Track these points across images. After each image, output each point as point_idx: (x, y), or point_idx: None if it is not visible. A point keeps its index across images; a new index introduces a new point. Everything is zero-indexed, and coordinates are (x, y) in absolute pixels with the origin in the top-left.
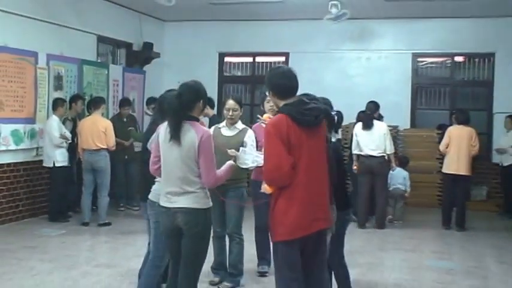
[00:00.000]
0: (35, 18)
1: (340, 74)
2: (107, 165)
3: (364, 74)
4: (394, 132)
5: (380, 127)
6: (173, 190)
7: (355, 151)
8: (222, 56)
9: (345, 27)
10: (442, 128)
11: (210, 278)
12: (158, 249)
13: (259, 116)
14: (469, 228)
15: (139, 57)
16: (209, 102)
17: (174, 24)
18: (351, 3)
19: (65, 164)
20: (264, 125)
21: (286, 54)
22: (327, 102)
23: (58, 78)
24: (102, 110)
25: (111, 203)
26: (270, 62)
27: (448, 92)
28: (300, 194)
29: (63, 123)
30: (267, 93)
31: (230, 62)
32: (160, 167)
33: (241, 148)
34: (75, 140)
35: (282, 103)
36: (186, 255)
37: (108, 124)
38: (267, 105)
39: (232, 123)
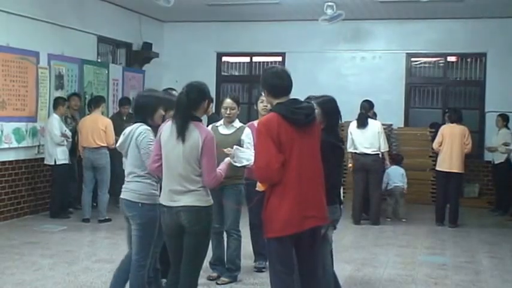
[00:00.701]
0: (36, 19)
1: (335, 74)
2: (107, 163)
3: (359, 74)
4: (388, 131)
5: (374, 125)
6: (176, 188)
7: (350, 149)
8: (219, 55)
9: (339, 28)
10: (435, 127)
11: (208, 273)
12: (143, 248)
13: None
14: (462, 224)
15: (139, 57)
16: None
17: (172, 25)
18: (345, 4)
19: (66, 161)
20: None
21: (283, 54)
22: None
23: (59, 77)
24: (102, 108)
25: (110, 200)
26: (267, 62)
27: (441, 91)
28: (291, 191)
29: (64, 121)
30: (262, 94)
31: (228, 62)
32: (161, 165)
33: (235, 146)
34: (76, 138)
35: (275, 102)
36: (187, 253)
37: (108, 122)
38: (261, 105)
39: (229, 121)
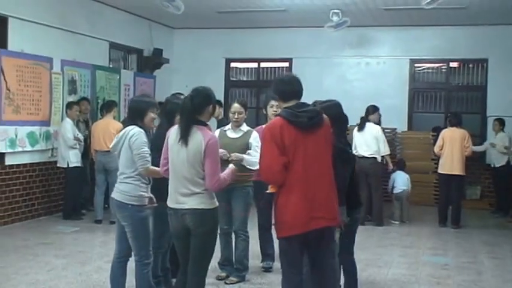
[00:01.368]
0: (50, 26)
1: (340, 79)
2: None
3: (364, 79)
4: (392, 135)
5: (372, 129)
6: (181, 191)
7: (353, 152)
8: (228, 61)
9: (345, 35)
10: (437, 131)
11: (217, 273)
12: (141, 248)
13: None
14: (464, 225)
15: (150, 63)
16: (218, 105)
17: (182, 32)
18: (351, 11)
19: (78, 164)
20: None
21: (290, 60)
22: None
23: (72, 82)
24: (114, 113)
25: None
26: (274, 67)
27: (443, 96)
28: (296, 193)
29: (77, 125)
30: (271, 99)
31: (236, 68)
32: (168, 168)
33: (248, 151)
34: (88, 141)
35: (284, 106)
36: (194, 254)
37: (120, 126)
38: (270, 110)
39: (237, 125)
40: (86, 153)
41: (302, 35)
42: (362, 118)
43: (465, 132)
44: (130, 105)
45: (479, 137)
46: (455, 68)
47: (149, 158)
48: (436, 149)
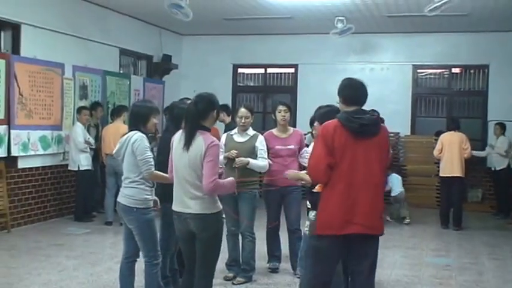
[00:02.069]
0: (61, 33)
1: None
2: None
3: (368, 84)
4: (396, 139)
5: None
6: (184, 195)
7: None
8: (235, 67)
9: (349, 41)
10: (440, 135)
11: (224, 273)
12: (150, 249)
13: None
14: (465, 227)
15: (159, 69)
16: (226, 110)
17: (191, 38)
18: (355, 18)
19: (89, 167)
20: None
21: (295, 66)
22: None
23: (83, 88)
24: (124, 117)
25: None
26: (280, 73)
27: (445, 101)
28: (336, 195)
29: (88, 130)
30: (280, 105)
31: (243, 73)
32: None
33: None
34: (98, 145)
35: (345, 110)
36: (200, 257)
37: None
38: (279, 115)
39: (244, 129)
40: (96, 157)
41: (308, 41)
42: None
43: (463, 135)
44: (132, 110)
45: (480, 141)
46: (457, 73)
47: (153, 162)
48: (436, 152)
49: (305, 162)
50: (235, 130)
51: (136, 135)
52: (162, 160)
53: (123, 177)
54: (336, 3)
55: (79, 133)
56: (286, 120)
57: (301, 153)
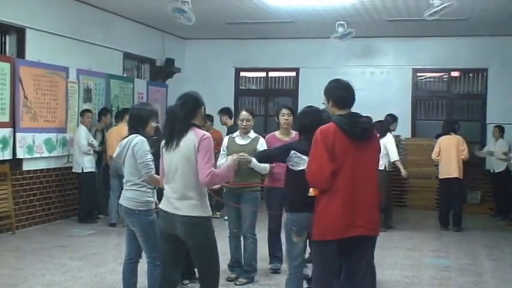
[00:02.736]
0: (66, 37)
1: None
2: None
3: (368, 88)
4: (397, 141)
5: (386, 137)
6: (175, 195)
7: None
8: (237, 71)
9: (350, 45)
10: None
11: (227, 274)
12: (152, 250)
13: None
14: (465, 229)
15: (162, 72)
16: (228, 113)
17: (194, 42)
18: (356, 23)
19: (93, 169)
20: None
21: (297, 70)
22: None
23: (87, 91)
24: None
25: None
26: (282, 77)
27: (445, 104)
28: (338, 199)
29: (94, 135)
30: (283, 108)
31: (245, 77)
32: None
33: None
34: (104, 148)
35: (337, 113)
36: (201, 265)
37: None
38: (282, 118)
39: (245, 132)
40: (99, 160)
41: (309, 45)
42: (383, 128)
43: (459, 137)
44: (131, 113)
45: (479, 143)
46: (456, 77)
47: (153, 166)
48: (433, 155)
49: (297, 166)
50: (237, 133)
51: (137, 138)
52: (156, 165)
53: (124, 180)
54: (336, 8)
55: (82, 135)
56: (289, 123)
57: (290, 155)
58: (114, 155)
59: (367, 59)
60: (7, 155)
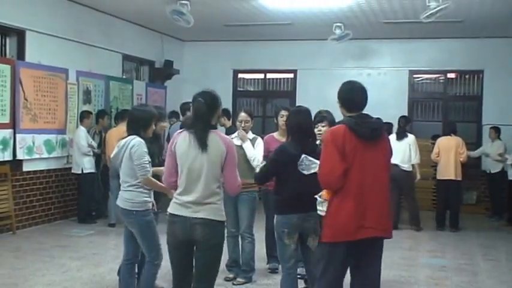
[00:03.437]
0: (65, 39)
1: None
2: None
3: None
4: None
5: (409, 138)
6: (195, 200)
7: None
8: (236, 72)
9: (347, 47)
10: (436, 139)
11: (225, 274)
12: (151, 250)
13: None
14: (461, 229)
15: (161, 74)
16: (227, 114)
17: (192, 44)
18: (353, 25)
19: (92, 170)
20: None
21: (295, 71)
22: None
23: (87, 92)
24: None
25: None
26: (280, 78)
27: (441, 105)
28: (349, 201)
29: (92, 137)
30: (282, 110)
31: (243, 78)
32: (177, 180)
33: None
34: (102, 150)
35: (347, 115)
36: (203, 269)
37: None
38: (281, 120)
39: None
40: (97, 162)
41: (306, 47)
42: (399, 128)
43: (459, 139)
44: (133, 115)
45: (475, 144)
46: (452, 78)
47: (149, 168)
48: (433, 156)
49: (308, 169)
50: (236, 134)
51: (135, 140)
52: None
53: (121, 181)
54: (334, 10)
55: (82, 137)
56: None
57: (301, 159)
58: (112, 155)
59: (364, 61)
60: (7, 156)
